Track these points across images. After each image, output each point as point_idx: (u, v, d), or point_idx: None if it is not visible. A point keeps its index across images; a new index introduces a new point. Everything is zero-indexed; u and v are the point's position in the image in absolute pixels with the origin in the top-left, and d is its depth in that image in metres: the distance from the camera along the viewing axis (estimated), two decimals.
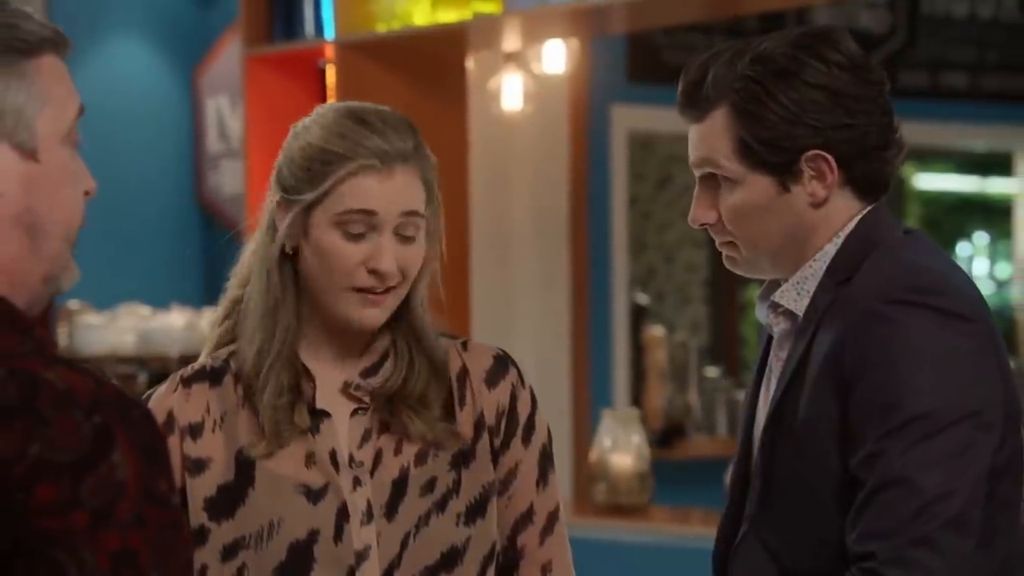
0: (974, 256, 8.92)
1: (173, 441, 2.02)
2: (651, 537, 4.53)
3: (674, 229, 8.63)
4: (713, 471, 6.07)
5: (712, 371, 7.13)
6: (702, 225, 2.02)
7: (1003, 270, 8.82)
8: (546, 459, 2.11)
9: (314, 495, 2.00)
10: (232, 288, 2.10)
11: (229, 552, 1.99)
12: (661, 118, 6.84)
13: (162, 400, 2.05)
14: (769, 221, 1.98)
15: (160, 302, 5.38)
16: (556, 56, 5.71)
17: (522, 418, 2.09)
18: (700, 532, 4.48)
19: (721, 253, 2.06)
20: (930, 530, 1.85)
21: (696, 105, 1.99)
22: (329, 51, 4.64)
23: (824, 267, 1.98)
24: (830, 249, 1.98)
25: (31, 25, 1.40)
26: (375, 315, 2.01)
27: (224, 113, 5.74)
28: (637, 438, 4.57)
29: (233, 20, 5.51)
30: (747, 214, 1.98)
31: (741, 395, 6.98)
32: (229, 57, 5.60)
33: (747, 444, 2.08)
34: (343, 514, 2.00)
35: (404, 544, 2.00)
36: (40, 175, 1.39)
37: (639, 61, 6.47)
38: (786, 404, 1.96)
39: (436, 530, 2.01)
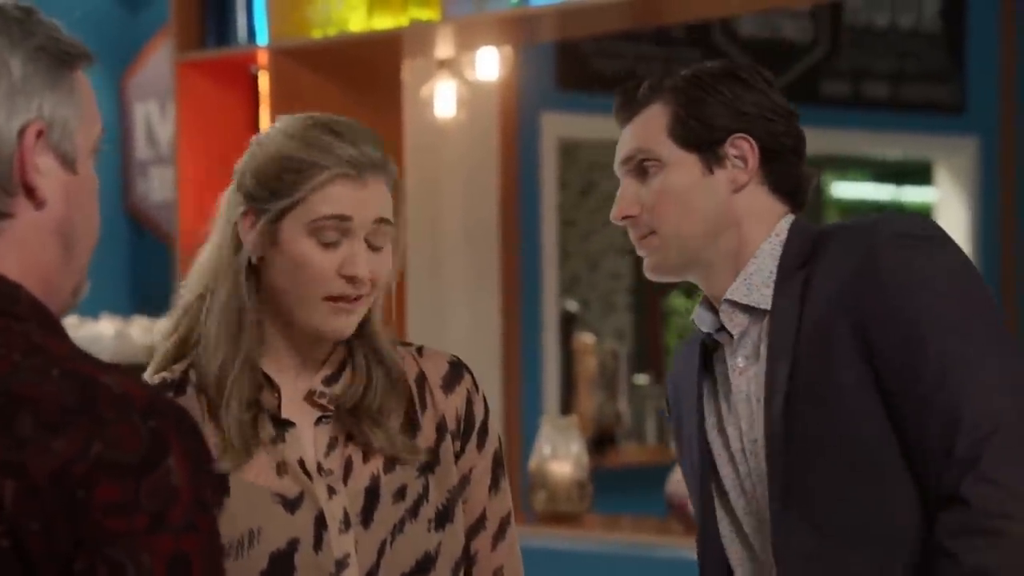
0: None
1: None
2: (592, 545, 4.53)
3: (598, 237, 8.65)
4: (644, 478, 6.08)
5: (641, 379, 7.16)
6: (624, 218, 2.11)
7: None
8: (498, 465, 2.14)
9: (290, 504, 2.00)
10: (184, 298, 2.09)
11: None
12: (590, 125, 6.88)
13: None
14: (692, 203, 2.09)
15: (88, 311, 5.31)
16: (489, 63, 5.71)
17: (477, 423, 2.11)
18: (642, 540, 4.48)
19: (643, 263, 2.12)
20: None
21: (633, 103, 2.13)
22: (262, 57, 4.60)
23: (769, 262, 2.09)
24: (767, 247, 2.09)
25: (68, 38, 1.42)
26: (348, 323, 2.01)
27: (153, 119, 5.67)
28: (576, 446, 4.57)
29: (162, 25, 5.46)
30: (672, 196, 2.09)
31: None
32: (158, 62, 5.54)
33: (707, 486, 2.12)
34: (321, 522, 2.00)
35: (381, 552, 2.01)
36: (77, 187, 1.41)
37: (568, 69, 6.48)
38: (798, 376, 2.01)
39: (410, 537, 2.02)
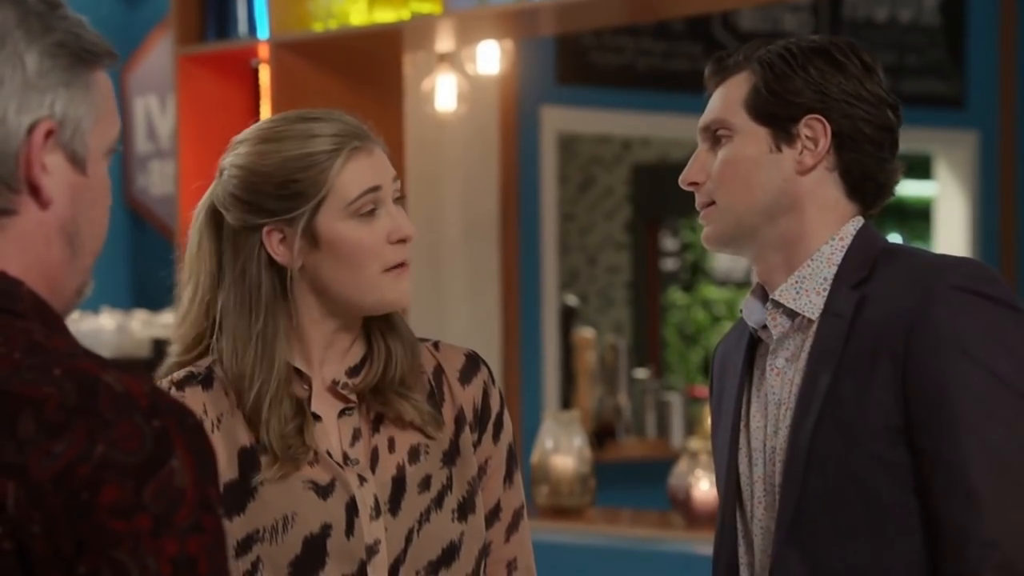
0: None
1: None
2: (594, 539, 4.53)
3: (596, 231, 8.65)
4: (643, 472, 6.08)
5: (641, 373, 7.16)
6: (690, 185, 2.08)
7: None
8: (512, 457, 2.14)
9: (322, 490, 2.01)
10: (192, 314, 2.07)
11: (243, 547, 1.99)
12: (590, 120, 6.88)
13: None
14: (753, 177, 2.03)
15: (89, 305, 5.31)
16: (489, 57, 5.71)
17: (493, 415, 2.12)
18: (645, 534, 4.48)
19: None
20: None
21: (723, 70, 2.08)
22: (263, 50, 4.59)
23: (825, 269, 2.03)
24: (827, 250, 2.03)
25: (91, 35, 1.39)
26: (407, 291, 2.03)
27: (153, 113, 5.66)
28: (578, 440, 4.57)
29: (161, 18, 5.45)
30: (734, 167, 2.04)
31: (670, 396, 7.01)
32: (158, 56, 5.53)
33: (735, 457, 2.08)
34: (352, 509, 2.01)
35: (409, 540, 2.03)
36: (86, 188, 1.38)
37: (568, 63, 6.48)
38: (832, 406, 1.96)
39: (436, 526, 2.04)
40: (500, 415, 2.13)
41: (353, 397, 2.06)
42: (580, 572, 4.43)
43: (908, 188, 8.90)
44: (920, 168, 7.97)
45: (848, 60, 2.03)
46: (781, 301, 2.03)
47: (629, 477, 6.13)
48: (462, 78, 5.62)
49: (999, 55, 7.36)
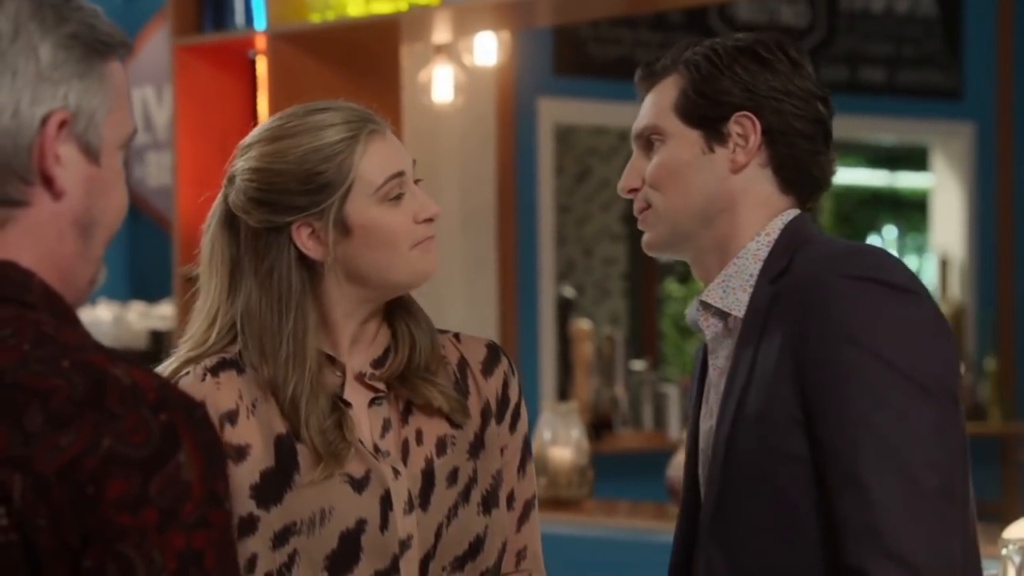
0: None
1: None
2: (593, 531, 4.53)
3: (593, 222, 8.65)
4: (640, 464, 6.09)
5: (638, 364, 7.16)
6: (629, 192, 2.08)
7: (911, 264, 8.93)
8: (527, 448, 2.15)
9: (357, 484, 2.01)
10: (208, 309, 2.06)
11: (280, 538, 1.98)
12: (587, 111, 6.88)
13: (193, 390, 1.99)
14: (687, 180, 2.03)
15: None
16: (487, 48, 5.71)
17: (511, 405, 2.13)
18: (643, 526, 4.49)
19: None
20: None
21: (652, 75, 2.08)
22: (260, 42, 4.59)
23: (751, 265, 2.01)
24: (752, 247, 2.02)
25: (106, 26, 1.38)
26: (435, 260, 2.05)
27: (150, 104, 5.66)
28: (576, 432, 4.57)
29: (159, 9, 5.44)
30: (670, 171, 2.04)
31: (667, 388, 7.01)
32: (155, 46, 5.53)
33: (694, 457, 2.09)
34: (387, 503, 2.01)
35: (438, 535, 2.02)
36: (99, 179, 1.38)
37: (565, 54, 6.48)
38: (745, 404, 1.96)
39: (464, 520, 2.04)
40: (518, 405, 2.13)
41: (382, 385, 2.05)
42: (578, 563, 4.43)
43: (904, 179, 8.91)
44: (916, 159, 7.97)
45: (774, 57, 2.02)
46: (708, 301, 2.03)
47: (626, 469, 6.13)
48: (459, 69, 5.62)
49: (996, 46, 7.36)
